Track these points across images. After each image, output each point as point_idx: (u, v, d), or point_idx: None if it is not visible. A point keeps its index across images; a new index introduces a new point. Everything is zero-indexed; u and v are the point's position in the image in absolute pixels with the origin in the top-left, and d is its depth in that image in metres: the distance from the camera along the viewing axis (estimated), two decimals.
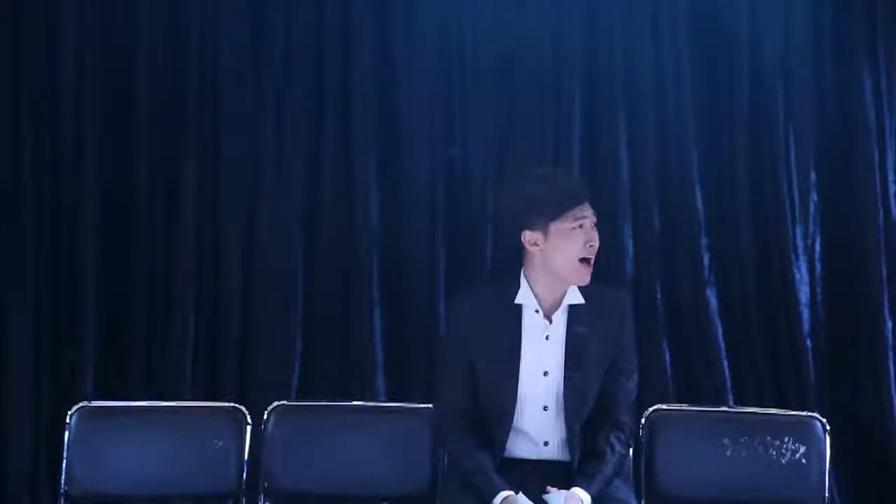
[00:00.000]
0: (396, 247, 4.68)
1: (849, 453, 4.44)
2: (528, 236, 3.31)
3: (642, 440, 3.96)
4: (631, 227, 4.65)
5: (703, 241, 4.71)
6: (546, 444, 3.37)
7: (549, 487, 3.28)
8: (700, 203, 4.70)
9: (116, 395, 4.28)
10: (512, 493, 3.26)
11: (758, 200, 4.70)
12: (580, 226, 3.31)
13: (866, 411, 4.63)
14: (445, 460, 3.71)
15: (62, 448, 3.96)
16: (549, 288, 3.36)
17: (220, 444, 3.96)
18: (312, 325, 4.65)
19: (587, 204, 3.33)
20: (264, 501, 3.98)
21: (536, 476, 3.33)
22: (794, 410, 4.21)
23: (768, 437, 3.96)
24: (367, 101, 4.68)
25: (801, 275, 4.70)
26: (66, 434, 3.95)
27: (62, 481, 3.95)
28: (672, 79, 4.73)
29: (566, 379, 3.33)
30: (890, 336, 4.66)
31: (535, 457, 3.39)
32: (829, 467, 3.96)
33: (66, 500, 3.93)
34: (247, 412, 4.01)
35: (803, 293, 4.70)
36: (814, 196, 4.73)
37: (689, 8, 4.71)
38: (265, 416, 4.01)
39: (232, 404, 4.09)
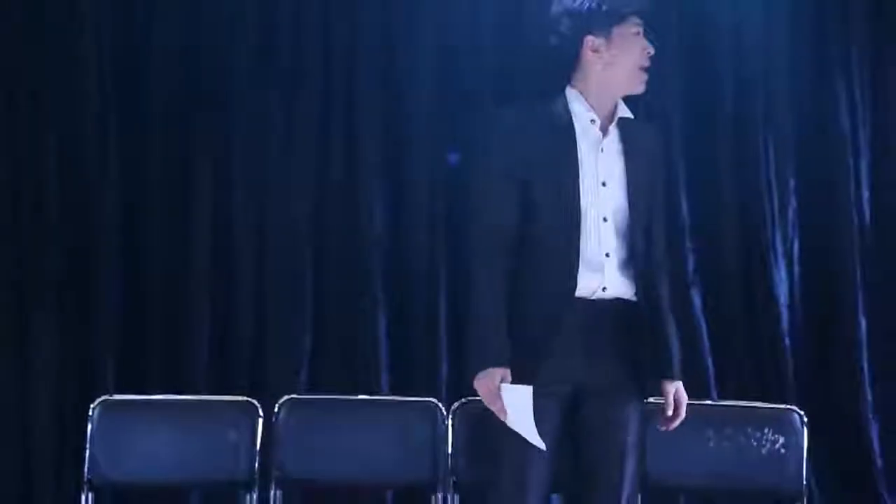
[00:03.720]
0: (399, 250, 4.68)
1: (825, 444, 4.44)
2: (590, 42, 3.03)
3: None
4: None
5: (688, 244, 4.71)
6: (607, 255, 3.02)
7: None
8: (685, 209, 4.71)
9: (136, 389, 4.30)
10: (507, 370, 2.93)
11: (740, 206, 4.74)
12: (638, 32, 3.06)
13: (841, 404, 4.66)
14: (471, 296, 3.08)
15: (85, 439, 3.97)
16: (602, 100, 3.08)
17: (234, 436, 3.96)
18: (320, 324, 4.63)
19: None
20: (275, 489, 3.99)
21: (600, 314, 3.01)
22: (773, 404, 4.23)
23: (749, 429, 3.98)
24: (372, 111, 4.68)
25: (781, 276, 4.72)
26: (89, 426, 3.97)
27: (85, 470, 3.95)
28: (659, 91, 4.54)
29: (628, 189, 3.05)
30: (864, 334, 4.70)
31: (598, 278, 3.00)
32: (807, 457, 3.99)
33: (89, 487, 3.94)
34: (259, 405, 4.02)
35: (782, 293, 4.71)
36: (793, 202, 4.76)
37: (676, 25, 4.72)
38: (276, 410, 4.03)
39: (245, 398, 4.10)
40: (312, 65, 4.67)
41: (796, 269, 4.75)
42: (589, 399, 3.01)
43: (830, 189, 4.75)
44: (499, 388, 2.91)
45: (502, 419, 2.92)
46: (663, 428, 3.12)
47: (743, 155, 4.74)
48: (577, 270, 2.97)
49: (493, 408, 2.93)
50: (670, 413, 3.09)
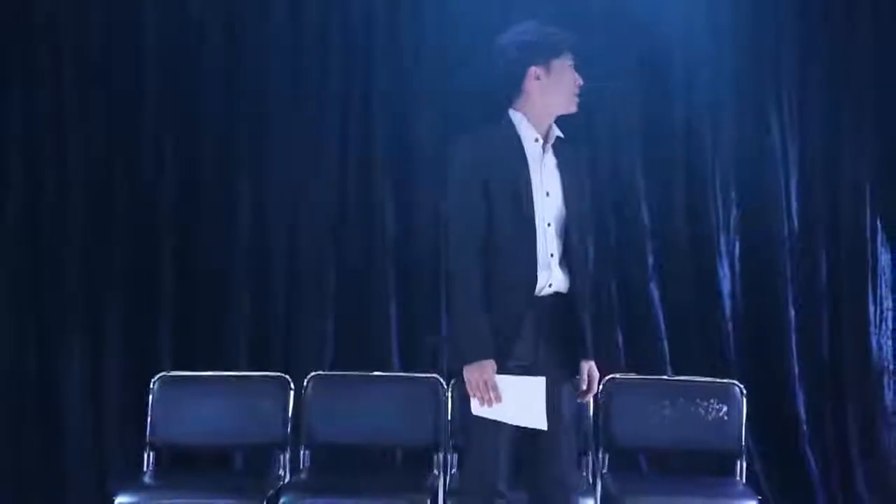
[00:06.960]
0: (408, 251, 4.82)
1: (760, 411, 4.57)
2: (533, 71, 3.19)
3: (601, 403, 4.16)
4: (593, 238, 4.69)
5: (649, 246, 4.86)
6: (552, 255, 3.17)
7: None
8: (646, 217, 4.88)
9: (188, 366, 4.46)
10: (492, 362, 3.03)
11: (691, 214, 4.92)
12: (571, 65, 3.23)
13: (774, 379, 4.84)
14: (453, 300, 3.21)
15: (147, 408, 4.22)
16: (542, 121, 3.22)
17: (270, 405, 4.22)
18: (342, 313, 4.78)
19: None
20: (304, 450, 4.25)
21: (545, 305, 3.16)
22: (718, 378, 4.42)
23: (698, 400, 4.22)
24: (385, 132, 4.80)
25: (724, 272, 4.87)
26: (150, 397, 4.23)
27: (147, 434, 4.21)
28: (624, 120, 4.86)
29: (564, 198, 3.21)
30: (792, 321, 4.88)
31: (546, 275, 3.15)
32: (745, 422, 4.22)
33: (150, 447, 4.21)
34: (290, 380, 4.25)
35: (725, 287, 4.86)
36: (734, 210, 4.92)
37: (637, 69, 4.87)
38: (305, 384, 4.27)
39: (278, 374, 4.32)
40: (335, 103, 4.80)
41: (737, 266, 4.91)
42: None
43: (765, 200, 4.92)
44: (493, 379, 3.01)
45: (489, 405, 3.00)
46: (580, 400, 3.26)
47: (693, 172, 4.92)
48: (537, 269, 3.13)
49: (481, 395, 3.02)
50: (584, 387, 3.24)
